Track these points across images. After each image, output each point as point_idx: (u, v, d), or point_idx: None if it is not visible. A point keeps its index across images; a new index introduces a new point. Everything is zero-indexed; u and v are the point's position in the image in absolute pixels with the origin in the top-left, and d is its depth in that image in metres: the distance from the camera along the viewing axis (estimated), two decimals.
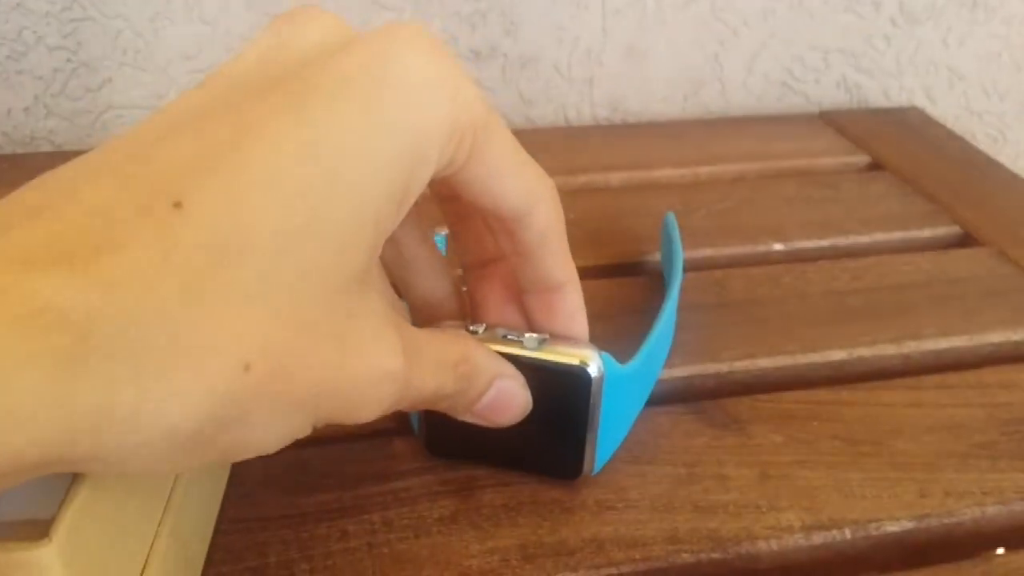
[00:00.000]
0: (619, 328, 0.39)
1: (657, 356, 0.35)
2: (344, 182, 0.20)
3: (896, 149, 0.59)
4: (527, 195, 0.26)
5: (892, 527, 0.30)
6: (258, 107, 0.20)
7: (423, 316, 0.31)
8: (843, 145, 0.60)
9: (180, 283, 0.17)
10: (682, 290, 0.39)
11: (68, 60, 0.55)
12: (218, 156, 0.19)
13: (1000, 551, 0.30)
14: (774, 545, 0.30)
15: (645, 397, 0.34)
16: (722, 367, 0.38)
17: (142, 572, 0.23)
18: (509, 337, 0.29)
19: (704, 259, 0.46)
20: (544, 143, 0.59)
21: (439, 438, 0.32)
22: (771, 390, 0.37)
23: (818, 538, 0.30)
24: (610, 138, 0.61)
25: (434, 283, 0.30)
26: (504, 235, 0.28)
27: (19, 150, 0.56)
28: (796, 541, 0.30)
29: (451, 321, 0.30)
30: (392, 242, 0.29)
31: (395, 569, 0.28)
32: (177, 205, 0.18)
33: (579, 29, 0.62)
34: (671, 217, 0.42)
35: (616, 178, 0.55)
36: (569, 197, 0.52)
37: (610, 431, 0.31)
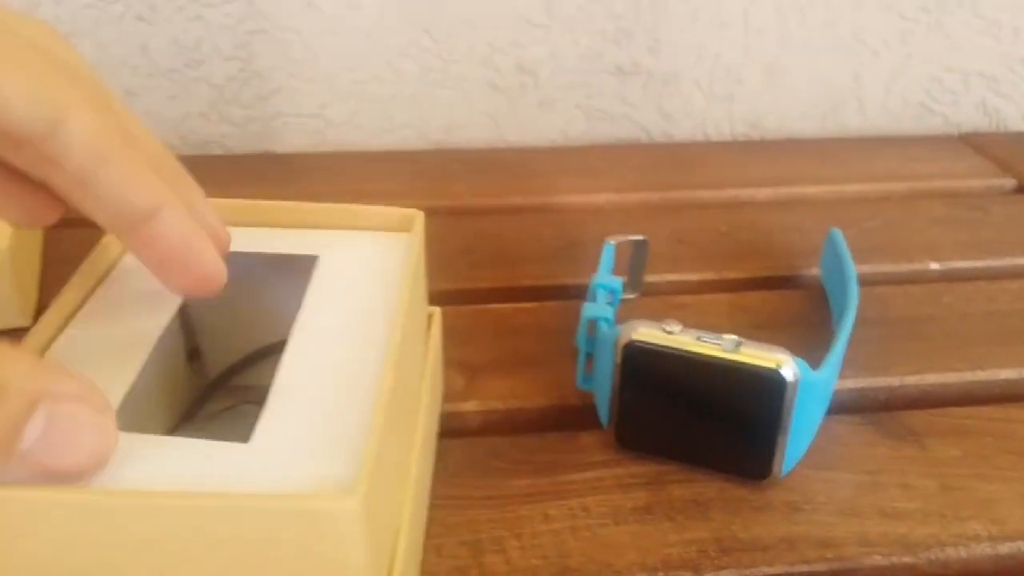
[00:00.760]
0: (786, 339, 0.40)
1: (837, 366, 0.36)
2: None
3: None
4: (43, 104, 0.21)
5: None
6: None
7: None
8: (987, 167, 0.60)
9: None
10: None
11: (241, 70, 0.58)
12: None
13: None
14: (962, 553, 0.30)
15: (826, 405, 0.35)
16: (893, 381, 0.38)
17: (401, 518, 0.25)
18: (704, 339, 0.31)
19: (861, 276, 0.47)
20: (686, 158, 0.61)
21: (630, 432, 0.33)
22: (941, 405, 0.38)
23: (1004, 548, 0.31)
24: (750, 154, 0.62)
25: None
26: (40, 167, 0.22)
27: (193, 153, 0.60)
28: (983, 550, 0.31)
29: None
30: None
31: (599, 551, 0.30)
32: None
33: (720, 47, 0.63)
34: (837, 234, 0.43)
35: (762, 194, 0.56)
36: (719, 210, 0.54)
37: (798, 435, 0.32)
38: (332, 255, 0.31)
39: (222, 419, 0.32)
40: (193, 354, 0.32)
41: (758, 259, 0.48)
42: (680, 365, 0.31)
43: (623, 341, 0.31)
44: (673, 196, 0.55)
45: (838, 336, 0.34)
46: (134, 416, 0.24)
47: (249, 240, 0.30)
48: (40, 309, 0.41)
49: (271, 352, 0.31)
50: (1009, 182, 0.59)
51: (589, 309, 0.34)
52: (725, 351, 0.30)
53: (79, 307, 0.27)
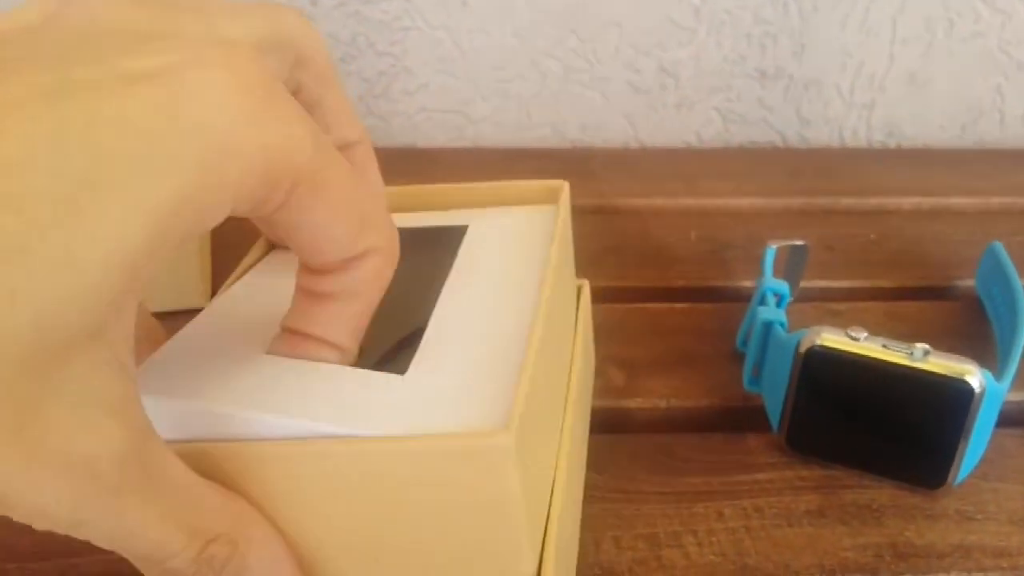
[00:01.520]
0: (947, 350, 0.40)
1: (1012, 379, 0.36)
2: (92, 212, 0.15)
3: None
4: (355, 240, 0.22)
5: None
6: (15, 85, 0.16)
7: None
8: None
9: None
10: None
11: (392, 65, 0.60)
12: None
13: None
14: None
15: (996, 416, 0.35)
16: None
17: (557, 468, 0.25)
18: (892, 348, 0.31)
19: None
20: (823, 163, 0.61)
21: (802, 435, 0.34)
22: None
23: None
24: (888, 162, 0.62)
25: None
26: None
27: None
28: None
29: None
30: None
31: (776, 552, 0.30)
32: None
33: (865, 55, 0.63)
34: (998, 246, 0.43)
35: (907, 203, 0.56)
36: (864, 217, 0.54)
37: (975, 445, 0.32)
38: (481, 225, 0.31)
39: None
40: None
41: (910, 268, 0.48)
42: (865, 372, 0.31)
43: (806, 346, 0.32)
44: (816, 202, 0.55)
45: (1014, 349, 0.34)
46: None
47: (400, 221, 0.31)
48: (213, 292, 0.44)
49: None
50: None
51: (763, 312, 0.35)
52: (914, 360, 0.31)
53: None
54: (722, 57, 0.62)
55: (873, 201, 0.56)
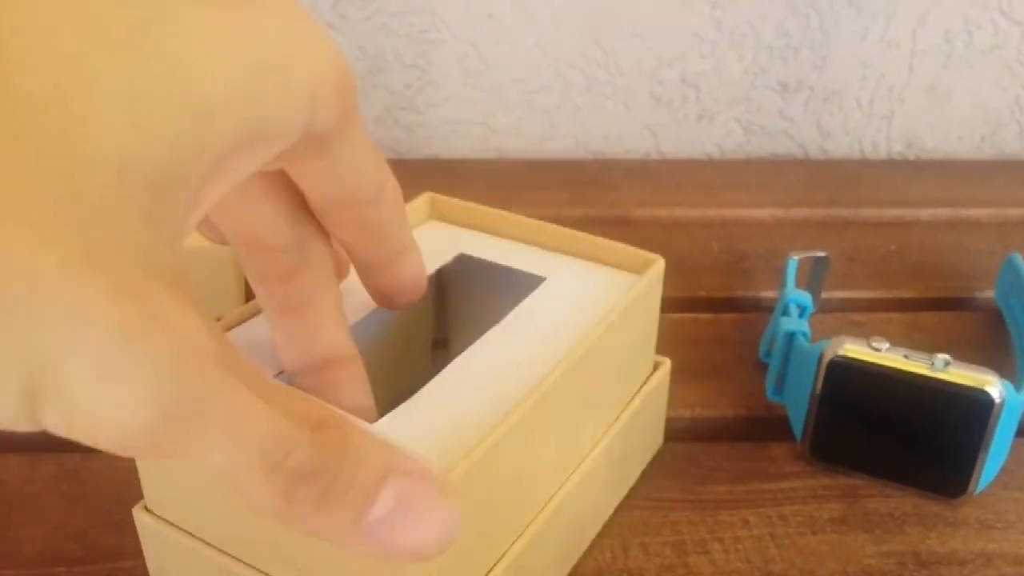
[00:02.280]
0: (967, 361, 0.41)
1: None
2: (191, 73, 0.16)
3: None
4: (378, 172, 0.23)
5: None
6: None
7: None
8: None
9: None
10: None
11: (419, 77, 0.61)
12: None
13: None
14: None
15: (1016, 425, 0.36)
16: None
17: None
18: (913, 358, 0.32)
19: None
20: (843, 175, 0.61)
21: (825, 444, 0.34)
22: None
23: None
24: (908, 173, 0.63)
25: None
26: (340, 224, 0.24)
27: None
28: None
29: None
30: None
31: (801, 559, 0.31)
32: None
33: (885, 66, 0.63)
34: (1017, 258, 0.43)
35: (926, 214, 0.56)
36: (884, 229, 0.54)
37: (995, 454, 0.33)
38: (560, 278, 0.31)
39: None
40: (439, 343, 0.34)
41: (931, 279, 0.49)
42: (887, 382, 0.32)
43: (829, 356, 0.32)
44: (836, 213, 0.56)
45: None
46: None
47: (486, 252, 0.32)
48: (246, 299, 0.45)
49: None
50: None
51: (786, 323, 0.36)
52: (935, 370, 0.31)
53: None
54: (743, 69, 0.63)
55: (893, 212, 0.56)
